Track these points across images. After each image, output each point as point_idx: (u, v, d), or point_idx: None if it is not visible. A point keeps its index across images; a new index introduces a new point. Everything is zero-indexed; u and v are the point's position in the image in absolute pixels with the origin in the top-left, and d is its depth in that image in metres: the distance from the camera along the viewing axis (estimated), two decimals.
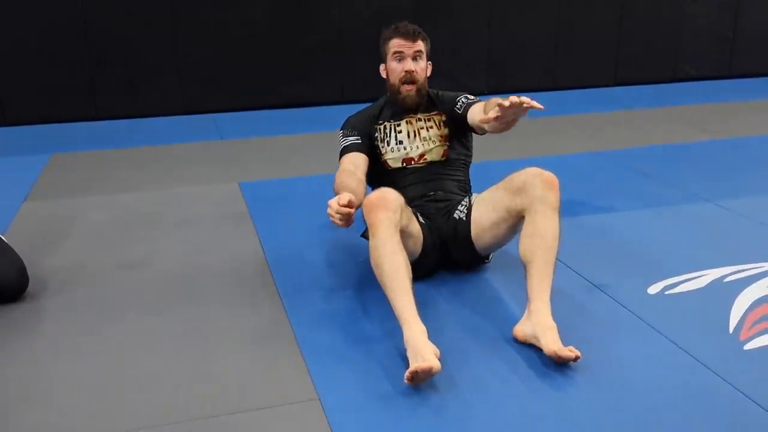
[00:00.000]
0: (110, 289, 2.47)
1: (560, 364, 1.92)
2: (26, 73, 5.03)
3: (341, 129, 2.63)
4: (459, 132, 2.62)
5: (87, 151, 4.38)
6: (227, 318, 2.26)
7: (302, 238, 2.86)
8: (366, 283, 2.45)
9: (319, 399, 1.81)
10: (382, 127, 2.62)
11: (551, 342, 1.93)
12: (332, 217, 2.05)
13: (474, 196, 2.50)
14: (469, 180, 2.69)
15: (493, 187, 2.39)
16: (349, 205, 2.04)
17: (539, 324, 2.00)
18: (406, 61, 2.52)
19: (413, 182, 2.56)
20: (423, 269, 2.42)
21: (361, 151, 2.53)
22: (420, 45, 2.54)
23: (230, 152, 4.34)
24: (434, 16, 5.63)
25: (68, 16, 5.01)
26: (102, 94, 5.22)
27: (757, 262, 2.56)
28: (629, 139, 4.46)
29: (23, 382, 1.93)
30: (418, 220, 2.43)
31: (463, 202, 2.49)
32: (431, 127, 2.60)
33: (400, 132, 2.60)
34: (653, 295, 2.35)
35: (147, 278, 2.55)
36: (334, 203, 2.04)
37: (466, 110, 2.49)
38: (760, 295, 2.32)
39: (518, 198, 2.23)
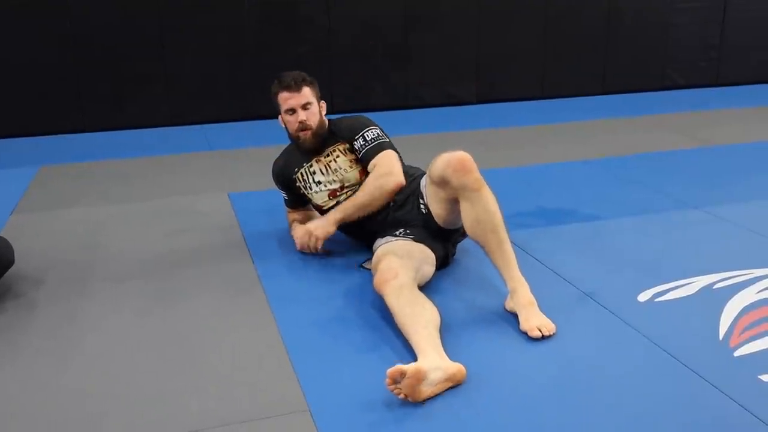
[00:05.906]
0: (98, 300, 2.45)
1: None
2: (13, 85, 5.01)
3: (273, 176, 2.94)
4: None
5: (75, 163, 4.37)
6: (216, 329, 2.25)
7: (292, 247, 2.85)
8: (357, 291, 2.45)
9: (309, 410, 1.80)
10: (299, 175, 2.82)
11: (523, 321, 2.16)
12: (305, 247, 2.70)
13: (422, 180, 2.59)
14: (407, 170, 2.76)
15: (426, 179, 2.50)
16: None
17: (518, 303, 2.22)
18: (297, 113, 2.71)
19: None
20: (442, 262, 2.58)
21: (294, 208, 2.93)
22: (306, 93, 2.72)
23: (219, 163, 4.33)
24: (422, 24, 5.65)
25: (55, 28, 5.00)
26: (90, 106, 5.20)
27: (746, 269, 2.57)
28: (617, 148, 4.48)
29: (5, 394, 1.91)
30: (416, 239, 2.49)
31: (420, 193, 2.57)
32: (338, 157, 2.77)
33: (314, 173, 2.78)
34: (643, 302, 2.35)
35: (135, 289, 2.53)
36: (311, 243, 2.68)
37: (365, 160, 2.72)
38: (750, 302, 2.33)
39: (445, 190, 2.36)
